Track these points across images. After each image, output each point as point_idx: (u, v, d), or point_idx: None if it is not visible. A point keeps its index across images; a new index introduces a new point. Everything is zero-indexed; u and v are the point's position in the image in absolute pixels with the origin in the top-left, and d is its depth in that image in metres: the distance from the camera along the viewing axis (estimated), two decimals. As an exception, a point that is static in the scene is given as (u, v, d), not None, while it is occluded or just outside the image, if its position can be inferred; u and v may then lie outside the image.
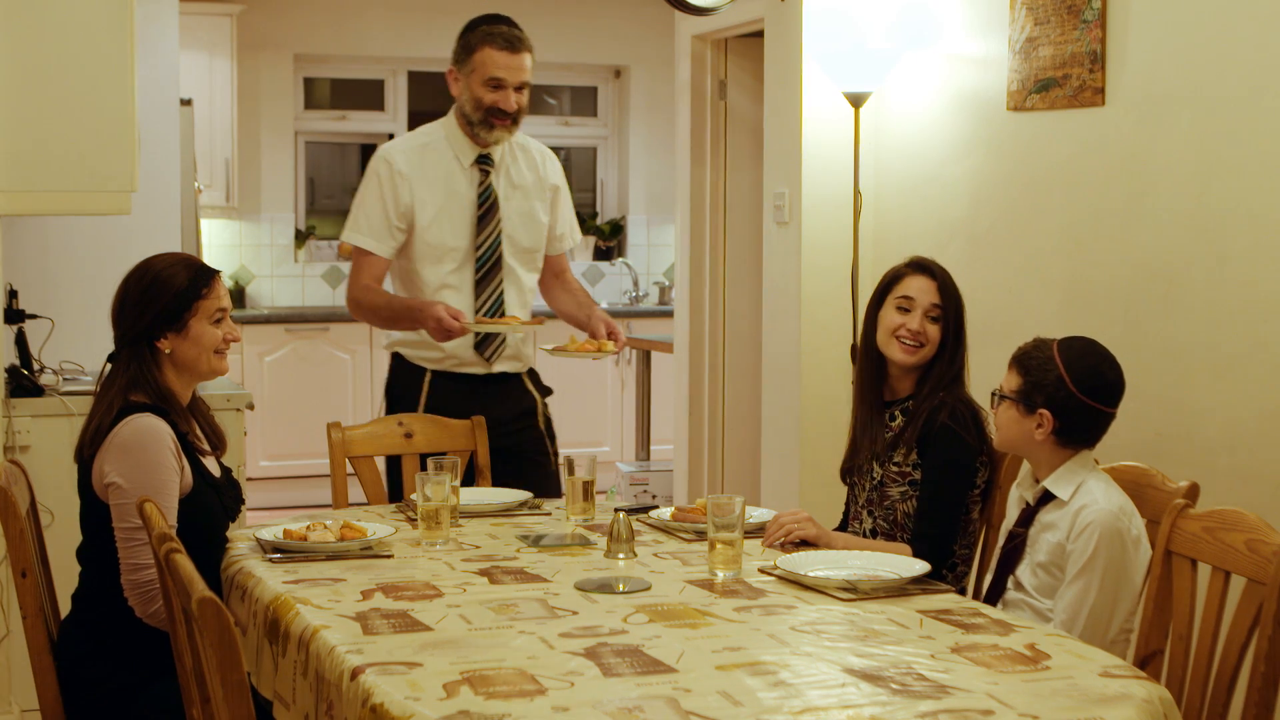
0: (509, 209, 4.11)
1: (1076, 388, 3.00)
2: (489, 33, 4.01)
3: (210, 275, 3.21)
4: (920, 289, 3.39)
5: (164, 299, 3.14)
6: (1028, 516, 3.04)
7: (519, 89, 4.03)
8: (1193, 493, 2.94)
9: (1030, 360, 3.04)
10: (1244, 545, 2.65)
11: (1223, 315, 3.72)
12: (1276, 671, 2.50)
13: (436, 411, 4.05)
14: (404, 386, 4.15)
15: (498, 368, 4.11)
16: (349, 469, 3.95)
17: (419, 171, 4.06)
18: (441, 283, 4.07)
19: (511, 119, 4.04)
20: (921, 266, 3.43)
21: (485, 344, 4.08)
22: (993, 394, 3.11)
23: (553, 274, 4.31)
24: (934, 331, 3.38)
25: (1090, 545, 2.88)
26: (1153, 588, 2.86)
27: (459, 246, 4.06)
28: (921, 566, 2.88)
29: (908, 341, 3.37)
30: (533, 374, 4.24)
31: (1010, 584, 3.04)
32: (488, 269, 4.08)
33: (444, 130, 4.12)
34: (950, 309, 3.39)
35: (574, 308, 4.29)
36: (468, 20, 4.10)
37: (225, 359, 3.25)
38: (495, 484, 3.99)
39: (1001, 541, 3.14)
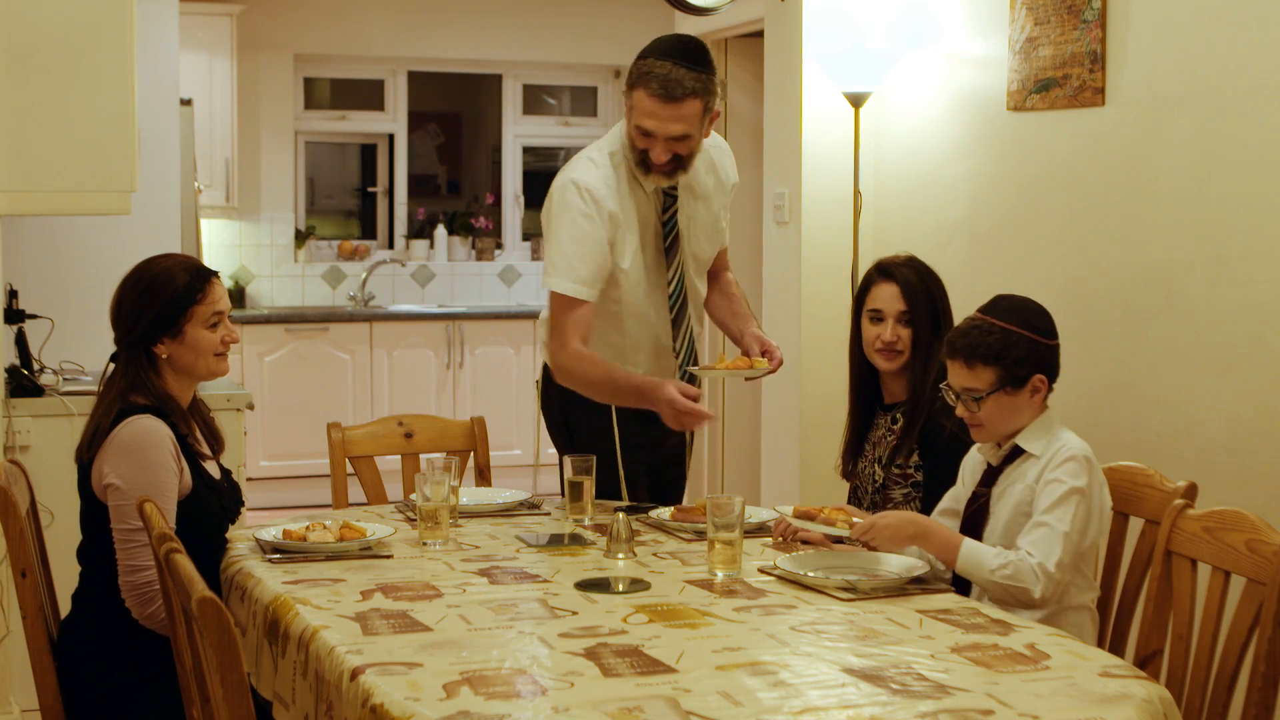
0: (693, 227, 3.69)
1: (1044, 338, 3.00)
2: (647, 72, 3.44)
3: (206, 279, 3.19)
4: (886, 298, 3.41)
5: (158, 305, 3.14)
6: (991, 476, 3.03)
7: (678, 139, 3.48)
8: (1191, 492, 2.94)
9: (989, 348, 2.96)
10: (1244, 545, 2.65)
11: (1223, 315, 3.71)
12: (1276, 671, 2.50)
13: (626, 444, 3.64)
14: (581, 414, 3.68)
15: None
16: (349, 470, 3.95)
17: (621, 208, 3.56)
18: (624, 342, 3.65)
19: (667, 170, 3.52)
20: (884, 271, 3.45)
21: (693, 382, 3.65)
22: (965, 399, 3.00)
23: (710, 273, 3.85)
24: (907, 335, 3.38)
25: (1079, 470, 2.89)
26: (1153, 588, 2.86)
27: (657, 283, 3.64)
28: (921, 566, 2.87)
29: (885, 351, 3.41)
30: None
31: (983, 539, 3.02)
32: (680, 299, 3.66)
33: (621, 150, 3.58)
34: (918, 308, 3.39)
35: (728, 315, 3.82)
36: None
37: (225, 360, 3.25)
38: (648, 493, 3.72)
39: (963, 507, 3.11)
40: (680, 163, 3.52)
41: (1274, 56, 3.58)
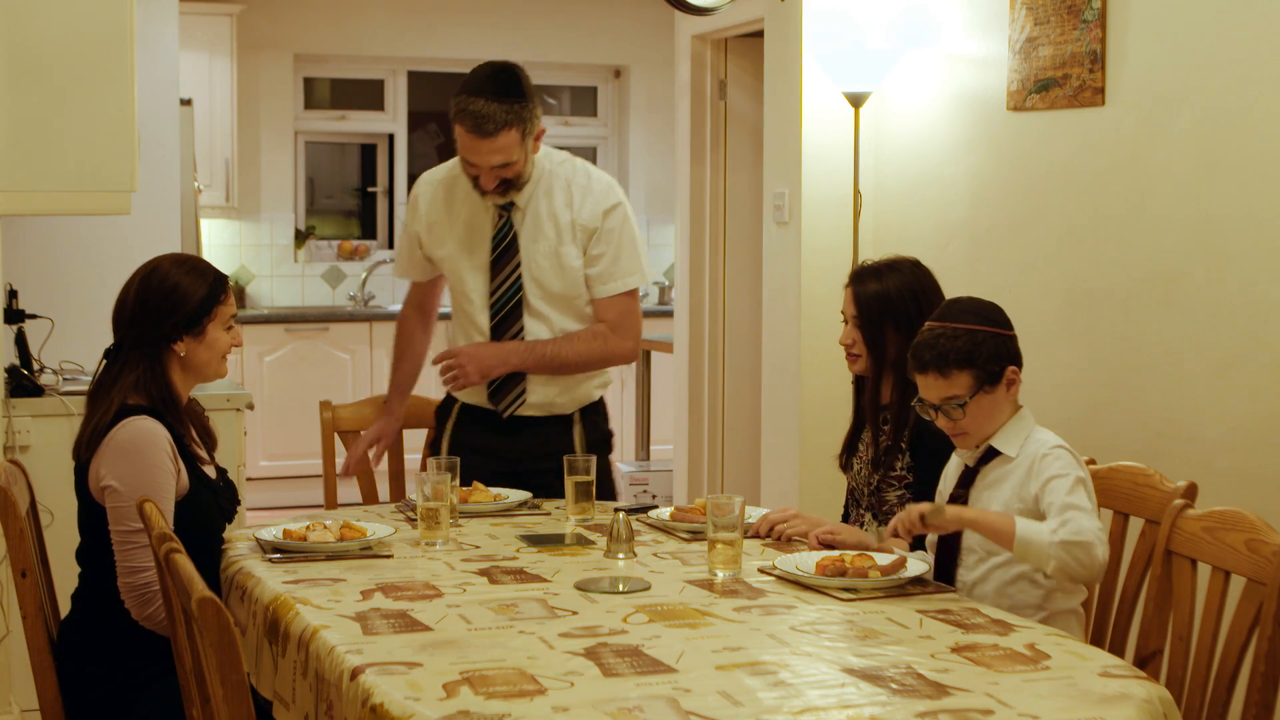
0: (534, 251, 3.77)
1: (1005, 330, 3.00)
2: (462, 109, 3.61)
3: (226, 281, 3.28)
4: (845, 302, 3.42)
5: (189, 304, 3.17)
6: (968, 478, 3.02)
7: (501, 166, 3.65)
8: (1191, 492, 2.94)
9: (960, 352, 2.93)
10: (1244, 545, 2.65)
11: (1222, 315, 3.71)
12: (1276, 671, 2.50)
13: (459, 444, 3.85)
14: (443, 413, 3.98)
15: (523, 412, 3.83)
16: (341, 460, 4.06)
17: (442, 206, 3.83)
18: (467, 325, 3.86)
19: (499, 188, 3.70)
20: (852, 275, 3.46)
21: (500, 394, 3.83)
22: (946, 409, 2.97)
23: (607, 325, 3.86)
24: (861, 340, 3.38)
25: (1073, 461, 2.86)
26: (1153, 588, 2.86)
27: (477, 287, 3.81)
28: (921, 566, 2.87)
29: (846, 354, 3.42)
30: (590, 413, 3.93)
31: (963, 551, 3.00)
32: (504, 314, 3.79)
33: None
34: (864, 311, 3.36)
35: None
36: (471, 73, 3.70)
37: (227, 363, 3.30)
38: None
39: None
40: (509, 184, 3.71)
41: (1274, 57, 3.58)
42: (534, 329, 3.80)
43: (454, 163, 3.83)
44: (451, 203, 3.84)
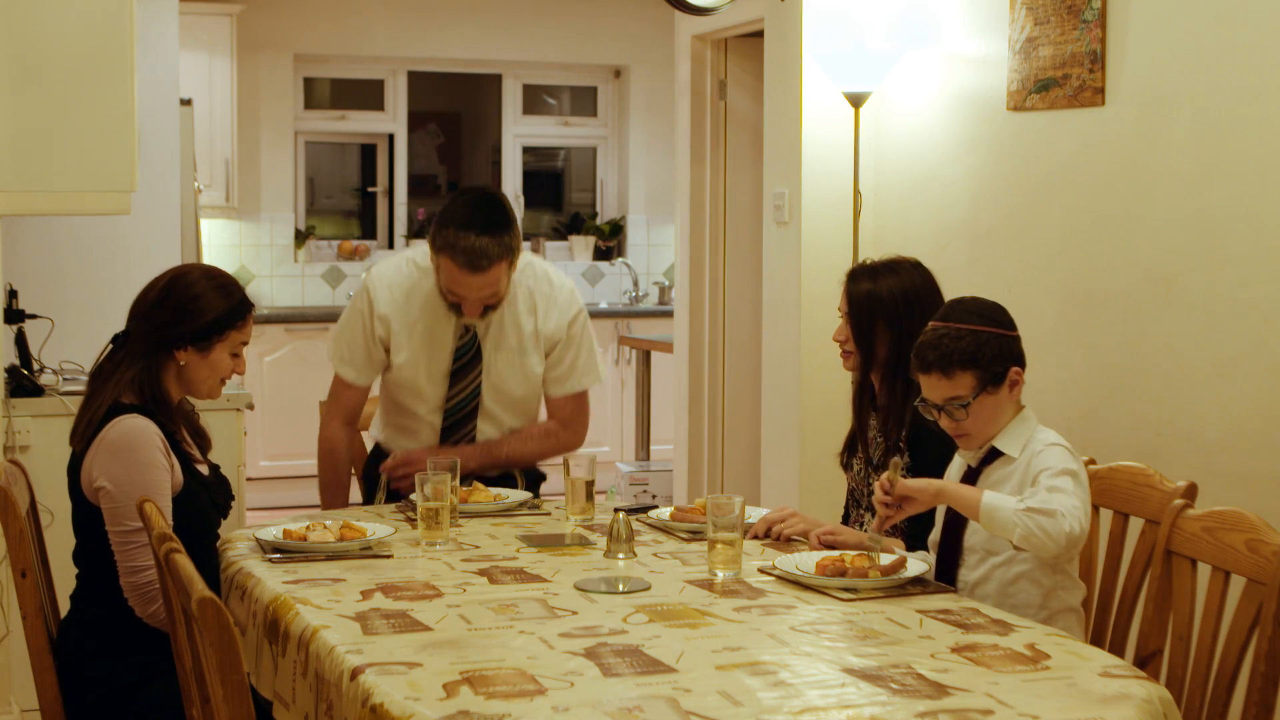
0: (496, 362, 3.83)
1: (1009, 330, 3.00)
2: (452, 244, 3.60)
3: (249, 309, 3.25)
4: (841, 298, 3.42)
5: (204, 317, 3.17)
6: (971, 478, 3.02)
7: (488, 295, 3.69)
8: (1191, 492, 2.94)
9: (964, 353, 2.93)
10: (1244, 545, 2.64)
11: (1222, 316, 3.71)
12: (1276, 671, 2.50)
13: (397, 496, 3.84)
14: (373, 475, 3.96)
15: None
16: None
17: (401, 313, 3.80)
18: (412, 422, 3.88)
19: (479, 315, 3.74)
20: (847, 274, 3.46)
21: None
22: (949, 409, 2.97)
23: (559, 421, 3.97)
24: (851, 336, 3.38)
25: (1068, 455, 2.86)
26: (1153, 588, 2.86)
27: (433, 394, 3.83)
28: (921, 566, 2.87)
29: (840, 350, 3.42)
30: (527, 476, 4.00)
31: (964, 550, 3.00)
32: (460, 418, 3.85)
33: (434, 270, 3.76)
34: (854, 309, 3.37)
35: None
36: (455, 198, 3.72)
37: (222, 388, 3.31)
38: None
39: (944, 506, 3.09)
40: (490, 307, 3.73)
41: (1274, 57, 3.58)
42: (485, 430, 3.88)
43: (408, 266, 3.83)
44: (410, 308, 3.81)
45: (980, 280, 4.42)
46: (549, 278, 3.89)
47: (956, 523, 3.00)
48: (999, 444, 2.97)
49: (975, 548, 2.98)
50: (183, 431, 3.24)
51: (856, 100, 4.84)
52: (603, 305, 9.11)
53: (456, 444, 3.85)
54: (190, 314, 3.16)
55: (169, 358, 3.17)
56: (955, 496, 2.87)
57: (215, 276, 3.24)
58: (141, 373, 3.15)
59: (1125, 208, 4.02)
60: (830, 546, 3.09)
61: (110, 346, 3.22)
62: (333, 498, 3.94)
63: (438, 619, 2.58)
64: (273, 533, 3.15)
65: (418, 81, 9.06)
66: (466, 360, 3.82)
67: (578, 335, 3.89)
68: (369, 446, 4.08)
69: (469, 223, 3.61)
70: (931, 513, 3.14)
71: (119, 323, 3.25)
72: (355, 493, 4.13)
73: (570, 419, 3.96)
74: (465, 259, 3.59)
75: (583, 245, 9.31)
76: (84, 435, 3.12)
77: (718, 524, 2.89)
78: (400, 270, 3.84)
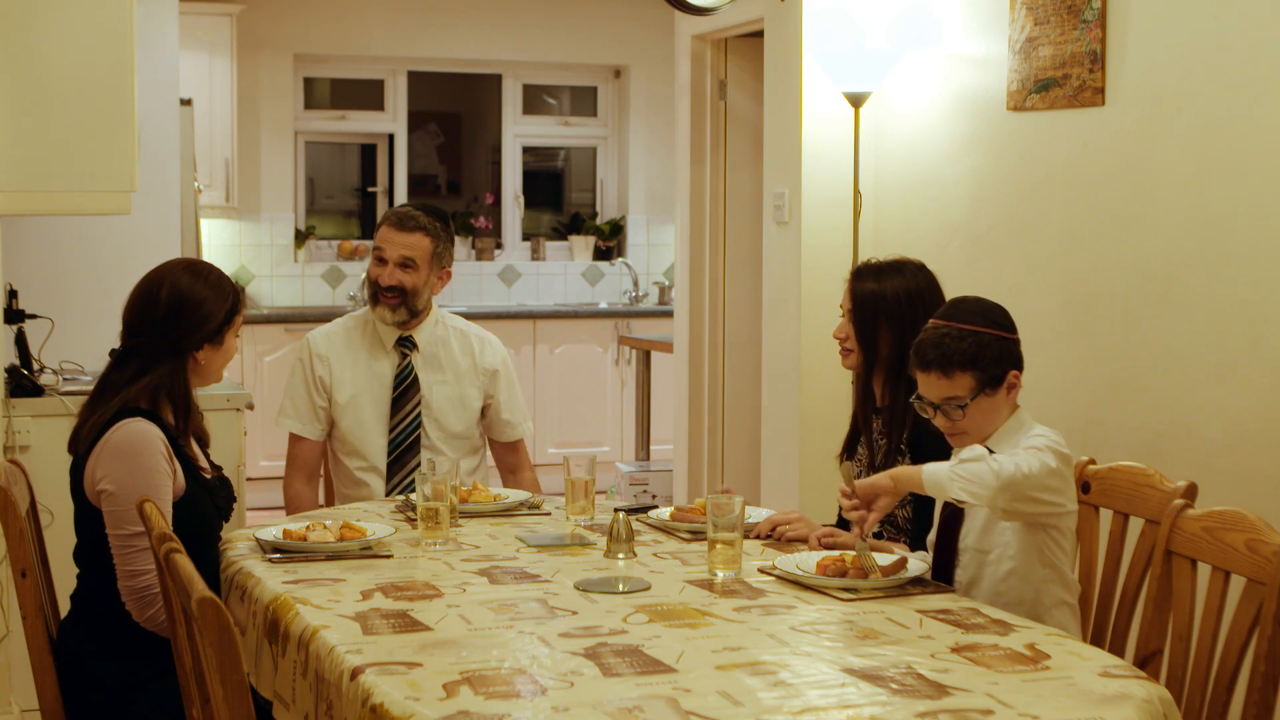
0: (436, 394, 4.07)
1: (1010, 333, 3.00)
2: (390, 212, 4.09)
3: (240, 291, 3.35)
4: (844, 295, 3.43)
5: (217, 318, 3.24)
6: None
7: (404, 266, 4.00)
8: (1191, 492, 2.94)
9: (963, 354, 2.93)
10: (1244, 545, 2.64)
11: (1222, 315, 3.71)
12: (1276, 671, 2.50)
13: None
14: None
15: None
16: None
17: (339, 353, 4.06)
18: (356, 480, 4.05)
19: (397, 296, 4.01)
20: (852, 272, 3.46)
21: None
22: (946, 409, 2.97)
23: (507, 469, 4.26)
24: (853, 334, 3.38)
25: (1054, 437, 2.87)
26: (1153, 588, 2.86)
27: (377, 426, 4.04)
28: (921, 566, 2.87)
29: (840, 349, 3.42)
30: None
31: (961, 548, 3.00)
32: (402, 450, 4.04)
33: (372, 315, 4.08)
34: (858, 308, 3.37)
35: None
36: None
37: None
38: None
39: (940, 505, 3.09)
40: (405, 297, 4.01)
41: (1274, 57, 3.58)
42: (424, 457, 4.04)
43: (344, 320, 4.15)
44: (350, 349, 4.08)
45: (980, 280, 4.42)
46: (478, 330, 4.22)
47: (953, 523, 3.01)
48: (993, 445, 2.96)
49: (967, 547, 2.98)
50: (189, 435, 3.25)
51: (856, 100, 4.84)
52: (603, 305, 9.10)
53: (404, 481, 4.03)
54: (202, 320, 3.22)
55: (188, 360, 3.23)
56: (905, 478, 2.91)
57: (202, 274, 3.27)
58: (165, 380, 3.18)
59: (1125, 208, 4.02)
60: (830, 548, 3.09)
61: (111, 362, 3.22)
62: None
63: (438, 619, 2.58)
64: (273, 533, 3.15)
65: (418, 81, 9.06)
66: (405, 387, 4.05)
67: (512, 377, 4.21)
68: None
69: (408, 205, 4.14)
70: (930, 513, 3.14)
71: (119, 323, 3.25)
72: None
73: (518, 465, 4.24)
74: (395, 218, 4.04)
75: (583, 245, 9.31)
76: (88, 438, 3.12)
77: (718, 524, 2.89)
78: (335, 324, 4.17)
